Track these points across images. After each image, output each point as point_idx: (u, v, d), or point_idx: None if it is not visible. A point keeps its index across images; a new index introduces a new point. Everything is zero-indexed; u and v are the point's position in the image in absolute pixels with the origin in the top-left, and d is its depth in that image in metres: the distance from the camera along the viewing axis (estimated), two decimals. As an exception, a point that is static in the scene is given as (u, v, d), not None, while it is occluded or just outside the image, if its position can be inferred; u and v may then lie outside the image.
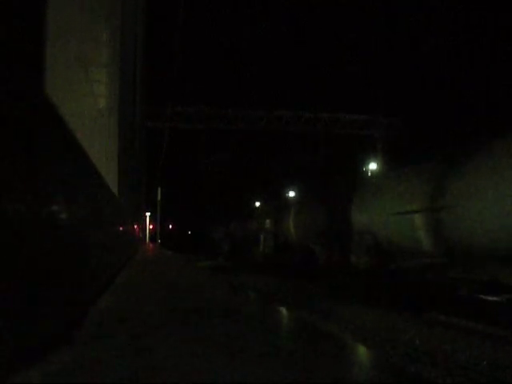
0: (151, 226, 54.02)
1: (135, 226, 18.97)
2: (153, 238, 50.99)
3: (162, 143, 31.48)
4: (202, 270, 10.78)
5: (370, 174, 30.68)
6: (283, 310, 4.54)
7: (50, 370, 2.01)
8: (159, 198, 45.47)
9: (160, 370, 2.10)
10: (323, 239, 15.39)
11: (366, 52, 61.75)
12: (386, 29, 60.06)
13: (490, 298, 8.50)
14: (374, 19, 59.14)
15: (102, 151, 4.94)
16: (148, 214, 50.54)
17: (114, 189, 6.45)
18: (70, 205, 2.68)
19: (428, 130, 34.57)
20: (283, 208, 21.06)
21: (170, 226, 72.81)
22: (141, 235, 31.52)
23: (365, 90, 41.45)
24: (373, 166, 30.20)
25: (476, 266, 8.63)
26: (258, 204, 60.59)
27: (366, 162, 31.28)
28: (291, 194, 49.14)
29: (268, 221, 22.12)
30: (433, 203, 9.53)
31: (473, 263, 8.71)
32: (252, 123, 29.00)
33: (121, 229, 8.22)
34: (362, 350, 3.31)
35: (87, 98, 3.70)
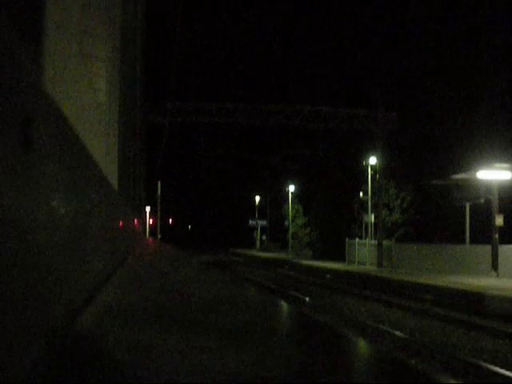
0: (151, 221, 54.07)
1: (135, 221, 18.99)
2: (153, 233, 51.07)
3: (162, 137, 31.48)
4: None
5: (369, 168, 30.64)
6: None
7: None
8: (159, 192, 45.49)
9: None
10: None
11: (367, 46, 61.60)
12: (386, 22, 59.88)
13: None
14: (375, 13, 58.95)
15: (102, 145, 4.94)
16: (148, 208, 50.56)
17: (114, 183, 6.45)
18: (70, 200, 2.69)
19: (426, 125, 34.52)
20: None
21: (170, 221, 72.82)
22: (141, 230, 31.57)
23: (365, 84, 41.33)
24: (372, 160, 30.11)
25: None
26: (257, 198, 60.48)
27: (365, 157, 31.20)
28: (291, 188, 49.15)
29: None
30: None
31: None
32: (252, 117, 28.95)
33: (120, 224, 8.23)
34: (362, 344, 3.33)
35: (87, 93, 3.70)
